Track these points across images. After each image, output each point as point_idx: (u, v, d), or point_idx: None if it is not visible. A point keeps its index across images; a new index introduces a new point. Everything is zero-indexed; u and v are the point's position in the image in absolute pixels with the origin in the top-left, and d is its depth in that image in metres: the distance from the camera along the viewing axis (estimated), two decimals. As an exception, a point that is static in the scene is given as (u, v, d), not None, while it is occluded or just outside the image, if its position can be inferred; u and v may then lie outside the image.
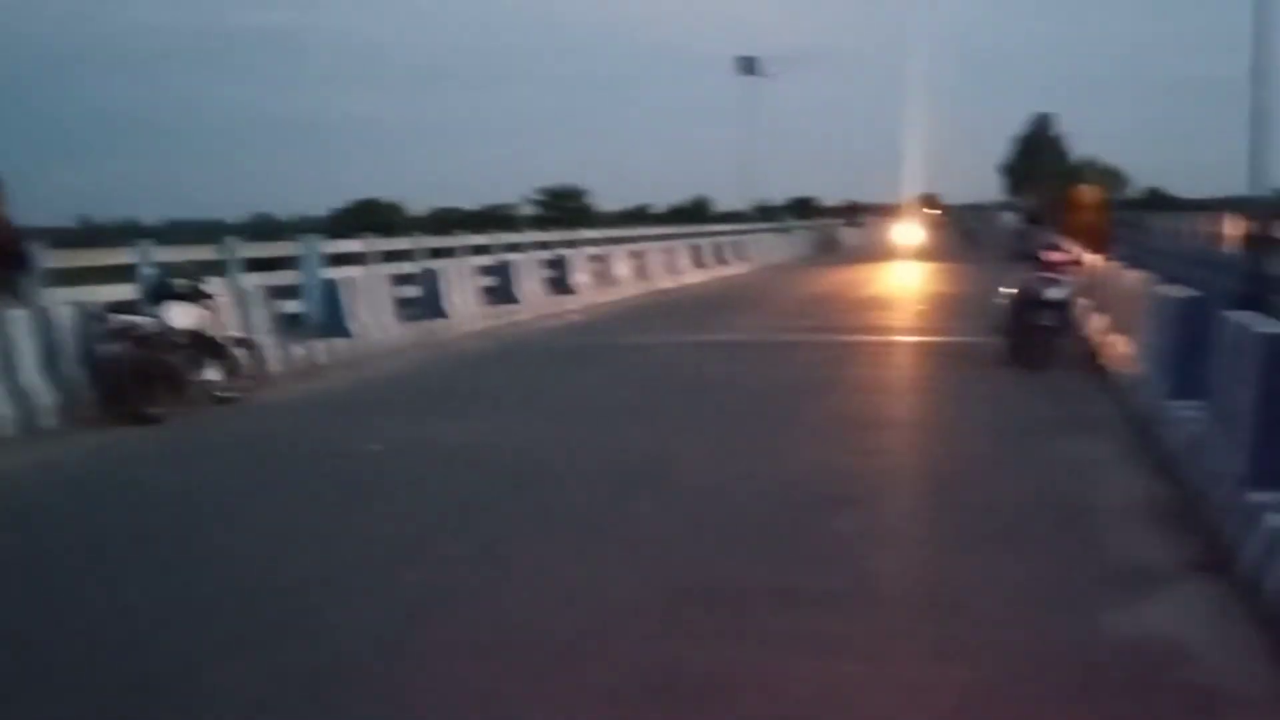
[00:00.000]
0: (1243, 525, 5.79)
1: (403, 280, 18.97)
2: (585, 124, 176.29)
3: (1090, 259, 18.00)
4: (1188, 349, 8.75)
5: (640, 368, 14.82)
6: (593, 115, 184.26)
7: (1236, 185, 22.46)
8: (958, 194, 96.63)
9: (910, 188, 72.75)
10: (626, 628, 5.31)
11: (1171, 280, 11.02)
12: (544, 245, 27.38)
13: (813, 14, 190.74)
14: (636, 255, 29.81)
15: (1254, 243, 18.62)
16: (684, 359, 15.38)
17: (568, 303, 23.55)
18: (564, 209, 77.44)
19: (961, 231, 52.45)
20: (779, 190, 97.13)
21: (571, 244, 29.42)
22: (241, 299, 14.11)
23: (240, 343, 12.52)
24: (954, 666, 4.80)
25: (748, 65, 60.90)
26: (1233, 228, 20.16)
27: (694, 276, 32.32)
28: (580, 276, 25.11)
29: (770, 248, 44.32)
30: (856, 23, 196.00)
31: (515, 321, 20.61)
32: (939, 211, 68.02)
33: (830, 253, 50.83)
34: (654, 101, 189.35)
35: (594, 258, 27.08)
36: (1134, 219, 36.49)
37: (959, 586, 5.85)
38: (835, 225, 61.77)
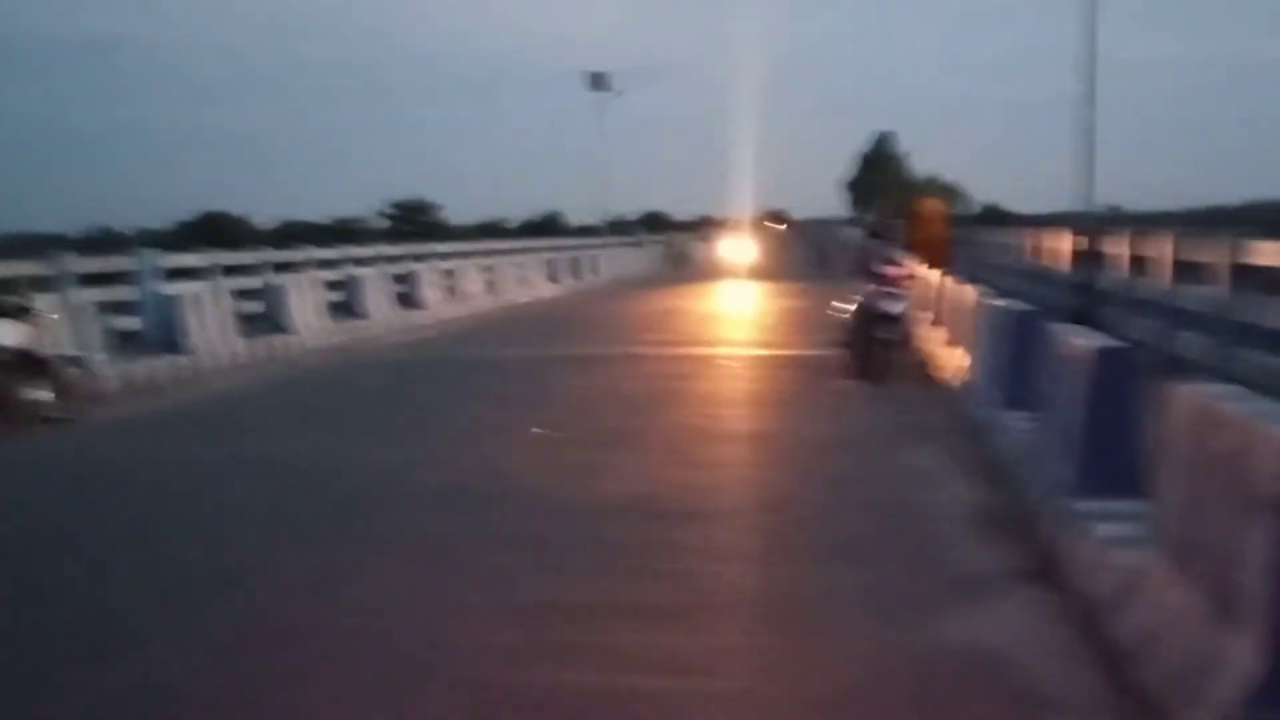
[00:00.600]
0: (1072, 534, 5.97)
1: (246, 295, 18.54)
2: (437, 138, 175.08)
3: (929, 273, 18.46)
4: (1020, 361, 8.97)
5: (486, 383, 14.68)
6: (445, 129, 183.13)
7: (1067, 202, 23.37)
8: (806, 209, 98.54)
9: (757, 202, 73.87)
10: (468, 647, 5.23)
11: (1005, 294, 11.34)
12: (393, 259, 27.05)
13: (664, 30, 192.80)
14: (488, 269, 29.67)
15: (1084, 258, 19.30)
16: (532, 373, 15.30)
17: (418, 317, 23.30)
18: (415, 223, 76.65)
19: (814, 247, 53.43)
20: (631, 204, 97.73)
21: (421, 258, 29.14)
22: (73, 315, 13.61)
23: (71, 361, 12.07)
24: (792, 680, 4.84)
25: (597, 80, 61.09)
26: (1064, 243, 20.88)
27: (546, 290, 32.31)
28: (430, 291, 24.87)
29: (622, 262, 44.60)
30: (708, 41, 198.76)
31: (363, 337, 20.29)
32: (785, 226, 69.06)
33: (682, 267, 51.26)
34: (506, 116, 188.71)
35: (445, 272, 26.87)
36: (971, 235, 37.61)
37: (797, 599, 5.91)
38: (687, 240, 62.36)
